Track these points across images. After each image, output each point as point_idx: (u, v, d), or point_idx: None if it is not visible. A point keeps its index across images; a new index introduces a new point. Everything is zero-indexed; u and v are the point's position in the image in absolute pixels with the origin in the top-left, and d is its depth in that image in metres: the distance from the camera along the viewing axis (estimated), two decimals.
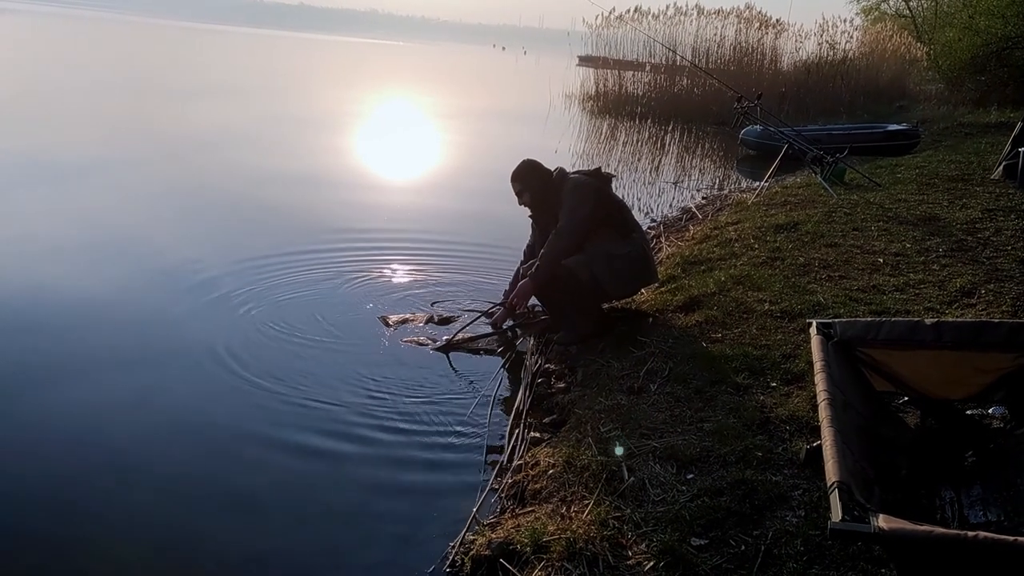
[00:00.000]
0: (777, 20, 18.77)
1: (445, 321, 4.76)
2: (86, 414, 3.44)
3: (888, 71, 20.67)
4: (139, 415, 3.48)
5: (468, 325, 4.64)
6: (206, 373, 3.88)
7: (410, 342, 4.46)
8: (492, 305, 4.83)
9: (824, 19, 20.08)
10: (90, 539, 2.67)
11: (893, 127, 12.38)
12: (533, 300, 4.63)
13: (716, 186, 10.69)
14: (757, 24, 18.41)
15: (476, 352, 4.45)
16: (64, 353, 4.01)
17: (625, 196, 9.38)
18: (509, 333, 4.69)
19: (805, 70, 18.95)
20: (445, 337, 4.48)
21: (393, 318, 4.72)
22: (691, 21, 18.53)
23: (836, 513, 1.64)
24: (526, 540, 2.44)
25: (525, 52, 60.14)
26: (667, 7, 18.78)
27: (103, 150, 9.83)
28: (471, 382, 4.05)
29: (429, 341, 4.48)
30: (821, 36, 19.80)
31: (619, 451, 2.79)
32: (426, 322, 4.73)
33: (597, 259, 4.31)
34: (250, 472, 3.10)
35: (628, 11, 18.82)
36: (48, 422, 3.35)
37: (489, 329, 4.63)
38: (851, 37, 20.48)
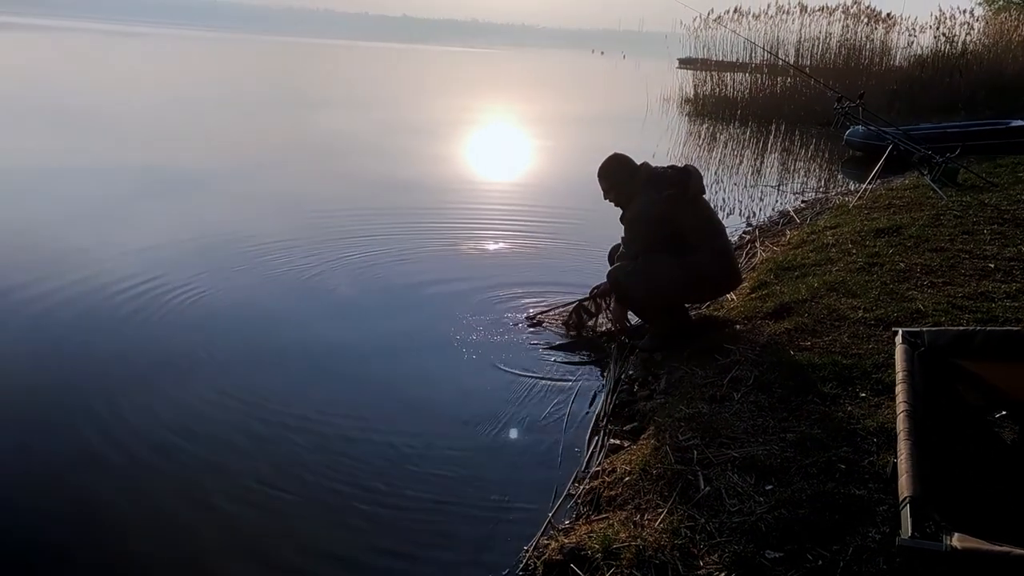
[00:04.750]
0: (888, 14, 17.93)
1: (537, 324, 4.86)
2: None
3: (1014, 63, 19.31)
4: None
5: (559, 308, 4.94)
6: (302, 363, 4.07)
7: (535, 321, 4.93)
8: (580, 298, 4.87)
9: (940, 11, 19.02)
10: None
11: (1018, 123, 11.55)
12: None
13: (820, 188, 10.32)
14: (865, 20, 17.63)
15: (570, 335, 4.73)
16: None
17: (724, 200, 9.24)
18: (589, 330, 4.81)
19: (918, 65, 17.99)
20: (531, 311, 4.98)
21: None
22: (793, 20, 17.97)
23: (906, 529, 1.58)
24: (597, 546, 2.44)
25: (624, 56, 59.74)
26: (768, 6, 18.28)
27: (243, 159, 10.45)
28: (553, 387, 4.07)
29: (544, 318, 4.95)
30: (937, 29, 18.75)
31: None
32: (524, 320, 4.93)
33: (652, 276, 4.25)
34: (330, 468, 3.19)
35: (727, 12, 18.44)
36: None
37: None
38: (971, 29, 19.32)
